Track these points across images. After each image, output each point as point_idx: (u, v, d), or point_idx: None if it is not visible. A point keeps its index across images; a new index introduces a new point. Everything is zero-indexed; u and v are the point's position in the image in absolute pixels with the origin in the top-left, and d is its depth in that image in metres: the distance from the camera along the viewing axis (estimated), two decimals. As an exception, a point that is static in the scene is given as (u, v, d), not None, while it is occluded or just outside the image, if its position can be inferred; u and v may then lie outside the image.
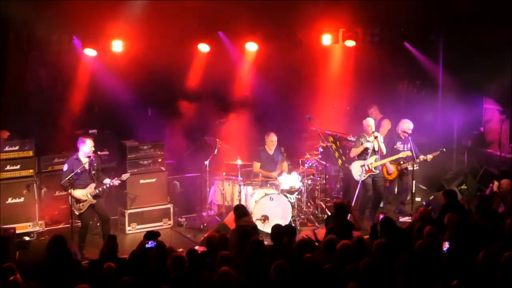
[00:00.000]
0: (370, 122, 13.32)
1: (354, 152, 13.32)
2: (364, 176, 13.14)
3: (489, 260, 7.65)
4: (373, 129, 13.21)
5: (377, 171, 13.31)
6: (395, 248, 8.53)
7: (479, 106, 15.70)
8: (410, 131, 13.69)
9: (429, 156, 13.77)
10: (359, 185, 13.20)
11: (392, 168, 13.79)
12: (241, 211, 10.88)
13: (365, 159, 13.12)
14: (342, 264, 7.94)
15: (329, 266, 7.94)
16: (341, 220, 10.52)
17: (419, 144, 14.00)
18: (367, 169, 13.13)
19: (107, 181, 11.81)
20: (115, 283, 7.50)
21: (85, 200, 11.63)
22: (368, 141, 13.14)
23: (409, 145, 13.67)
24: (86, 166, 11.60)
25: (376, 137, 13.11)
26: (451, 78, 15.82)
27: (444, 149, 13.97)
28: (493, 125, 15.55)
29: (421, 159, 13.67)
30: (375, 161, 13.27)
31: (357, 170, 13.31)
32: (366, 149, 13.12)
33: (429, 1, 14.81)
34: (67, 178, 11.40)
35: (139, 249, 8.85)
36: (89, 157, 11.63)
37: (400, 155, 13.65)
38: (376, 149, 13.19)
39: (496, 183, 12.33)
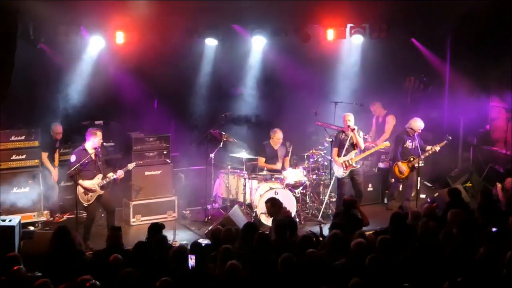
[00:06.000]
0: (347, 117, 13.22)
1: (333, 153, 13.31)
2: (345, 173, 13.15)
3: (490, 257, 7.66)
4: (350, 124, 13.10)
5: (358, 166, 13.25)
6: (400, 244, 8.56)
7: (486, 104, 15.66)
8: (420, 131, 13.64)
9: (437, 147, 13.72)
10: (332, 181, 13.36)
11: (404, 167, 13.73)
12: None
13: (344, 155, 13.14)
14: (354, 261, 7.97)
15: (339, 262, 7.96)
16: (350, 217, 10.51)
17: (424, 141, 13.97)
18: (347, 164, 13.10)
19: (110, 174, 11.85)
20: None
21: (94, 191, 11.68)
22: (346, 137, 13.13)
23: (416, 142, 13.65)
24: (93, 157, 11.65)
25: (353, 130, 13.04)
26: (458, 75, 15.77)
27: (450, 137, 13.82)
28: (499, 123, 15.50)
29: (430, 152, 13.61)
30: (355, 155, 13.22)
31: (338, 168, 13.31)
32: (343, 145, 13.10)
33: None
34: (73, 168, 11.44)
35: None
36: (95, 148, 11.69)
37: (379, 147, 13.64)
38: (354, 142, 13.15)
39: (499, 185, 12.23)
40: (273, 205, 11.07)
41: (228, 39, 14.45)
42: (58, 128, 12.90)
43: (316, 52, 15.18)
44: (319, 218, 13.36)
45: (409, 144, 13.74)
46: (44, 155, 12.80)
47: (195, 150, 14.22)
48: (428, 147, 13.65)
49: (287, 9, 13.79)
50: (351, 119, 13.19)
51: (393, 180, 14.39)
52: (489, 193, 11.35)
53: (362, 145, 13.23)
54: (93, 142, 11.71)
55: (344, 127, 13.29)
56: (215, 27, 13.98)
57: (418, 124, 13.66)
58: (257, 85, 15.40)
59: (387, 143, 13.69)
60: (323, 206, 13.71)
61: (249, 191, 13.25)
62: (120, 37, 13.26)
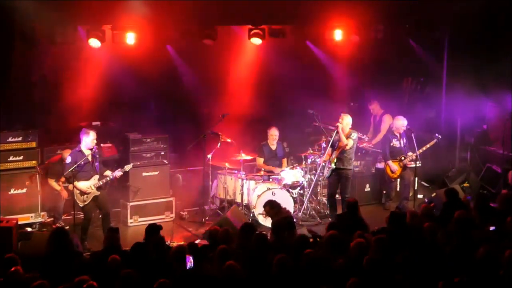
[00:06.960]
0: (341, 116, 13.09)
1: (327, 152, 13.25)
2: (329, 173, 13.12)
3: (489, 257, 7.67)
4: (339, 123, 12.94)
5: (333, 166, 13.01)
6: (398, 244, 8.56)
7: (483, 104, 15.65)
8: (404, 128, 13.64)
9: (427, 146, 13.72)
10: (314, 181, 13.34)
11: (395, 166, 13.75)
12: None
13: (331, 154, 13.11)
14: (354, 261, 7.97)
15: (337, 263, 7.97)
16: (354, 219, 10.47)
17: (422, 141, 13.94)
18: (328, 165, 13.06)
19: (108, 173, 11.86)
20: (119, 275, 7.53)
21: (89, 192, 11.66)
22: (336, 136, 12.96)
23: (404, 141, 13.65)
24: (89, 158, 11.65)
25: (337, 127, 12.94)
26: (455, 75, 15.77)
27: (439, 136, 13.83)
28: (497, 123, 15.48)
29: (420, 151, 13.60)
30: (334, 155, 13.11)
31: (325, 167, 13.28)
32: (333, 145, 13.00)
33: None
34: (70, 170, 11.43)
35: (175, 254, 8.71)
36: (91, 149, 11.67)
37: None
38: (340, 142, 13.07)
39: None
40: (272, 207, 11.06)
41: (225, 39, 14.44)
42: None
43: (314, 53, 15.19)
44: (318, 219, 13.36)
45: (396, 143, 13.74)
46: (51, 181, 12.70)
47: (193, 151, 14.20)
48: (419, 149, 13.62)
49: (284, 10, 13.79)
50: (343, 118, 13.04)
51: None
52: (485, 194, 11.36)
53: (343, 142, 12.87)
54: (85, 142, 11.65)
55: None
56: (213, 27, 13.97)
57: (400, 122, 13.70)
58: (255, 85, 15.39)
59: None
60: (304, 206, 13.59)
61: (246, 191, 13.25)
62: (117, 38, 13.24)
